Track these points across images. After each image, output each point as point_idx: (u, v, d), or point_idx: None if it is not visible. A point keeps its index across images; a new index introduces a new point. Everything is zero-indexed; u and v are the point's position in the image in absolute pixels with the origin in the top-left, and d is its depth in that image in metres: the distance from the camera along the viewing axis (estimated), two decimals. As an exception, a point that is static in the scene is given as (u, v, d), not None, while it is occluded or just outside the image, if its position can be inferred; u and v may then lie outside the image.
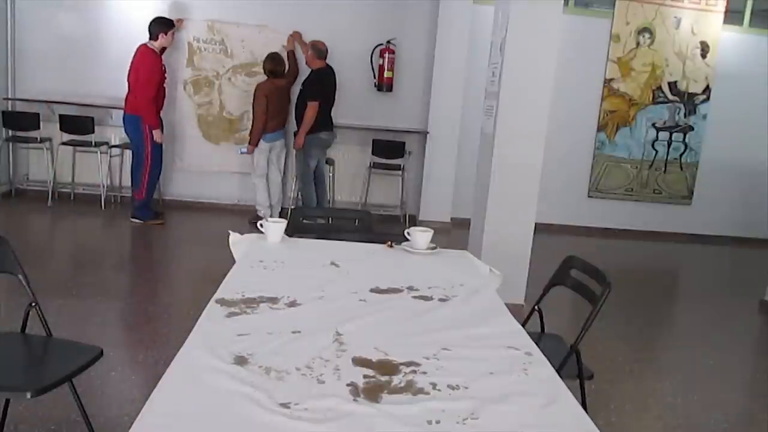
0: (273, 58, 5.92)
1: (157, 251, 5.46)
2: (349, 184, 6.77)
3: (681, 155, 7.15)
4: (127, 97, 5.55)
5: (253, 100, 5.84)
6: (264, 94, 5.77)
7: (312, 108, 5.67)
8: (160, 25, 5.57)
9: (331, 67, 5.98)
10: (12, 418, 2.34)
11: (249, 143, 5.89)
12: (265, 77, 5.91)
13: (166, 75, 5.74)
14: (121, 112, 5.66)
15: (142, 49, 5.51)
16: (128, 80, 5.53)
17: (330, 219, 3.40)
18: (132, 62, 5.52)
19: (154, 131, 5.54)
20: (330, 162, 6.59)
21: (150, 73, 5.47)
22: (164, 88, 5.73)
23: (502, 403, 1.34)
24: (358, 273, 2.18)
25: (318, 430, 1.19)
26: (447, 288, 2.08)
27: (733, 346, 4.22)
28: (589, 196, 7.15)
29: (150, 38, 5.55)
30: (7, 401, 2.25)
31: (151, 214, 5.79)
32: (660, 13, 6.76)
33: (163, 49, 5.75)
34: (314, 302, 1.86)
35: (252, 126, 5.90)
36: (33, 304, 2.16)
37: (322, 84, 5.83)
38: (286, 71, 6.03)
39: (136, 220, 5.76)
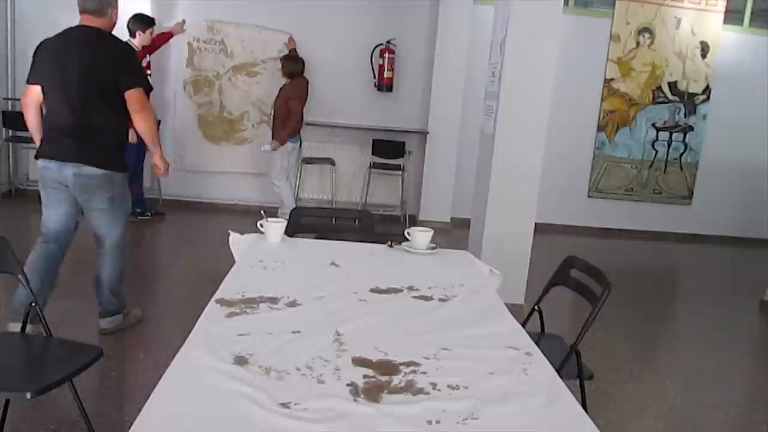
0: (295, 58, 5.83)
1: (157, 251, 5.46)
2: (349, 184, 6.77)
3: (681, 155, 7.15)
4: None
5: (284, 99, 5.64)
6: (298, 94, 5.65)
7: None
8: (139, 23, 5.35)
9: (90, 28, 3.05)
10: (12, 418, 2.34)
11: (274, 140, 5.65)
12: (288, 78, 5.73)
13: (150, 73, 5.47)
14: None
15: None
16: None
17: (334, 219, 3.40)
18: None
19: (128, 130, 5.43)
20: (330, 162, 6.59)
21: None
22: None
23: (502, 403, 1.34)
24: (358, 273, 2.18)
25: (318, 430, 1.19)
26: (447, 288, 2.08)
27: (733, 346, 4.22)
28: (589, 196, 7.15)
29: (129, 36, 5.31)
30: (7, 401, 2.25)
31: None
32: (660, 13, 6.76)
33: (153, 48, 5.62)
34: (314, 302, 1.86)
35: (282, 124, 5.64)
36: (33, 304, 2.16)
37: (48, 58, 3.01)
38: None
39: None
